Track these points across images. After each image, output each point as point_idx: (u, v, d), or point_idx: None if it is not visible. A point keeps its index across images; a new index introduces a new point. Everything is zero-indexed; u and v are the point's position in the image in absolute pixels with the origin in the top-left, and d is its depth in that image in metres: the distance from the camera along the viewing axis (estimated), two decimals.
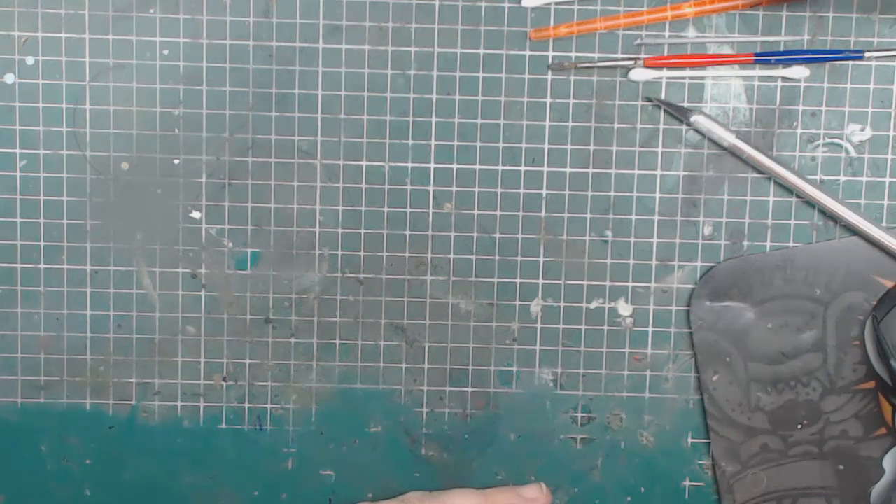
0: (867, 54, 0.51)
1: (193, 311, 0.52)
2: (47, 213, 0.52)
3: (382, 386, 0.53)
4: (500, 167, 0.52)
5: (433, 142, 0.52)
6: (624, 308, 0.53)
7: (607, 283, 0.53)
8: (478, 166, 0.52)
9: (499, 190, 0.52)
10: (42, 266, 0.52)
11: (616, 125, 0.52)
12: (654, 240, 0.52)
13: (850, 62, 0.51)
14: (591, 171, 0.52)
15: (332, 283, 0.52)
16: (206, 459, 0.53)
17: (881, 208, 0.52)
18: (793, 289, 0.52)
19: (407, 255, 0.52)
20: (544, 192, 0.52)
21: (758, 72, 0.51)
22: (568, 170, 0.52)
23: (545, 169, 0.52)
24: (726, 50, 0.51)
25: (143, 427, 0.53)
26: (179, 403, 0.53)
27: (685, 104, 0.51)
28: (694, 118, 0.51)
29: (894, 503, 0.52)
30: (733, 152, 0.51)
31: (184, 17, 0.51)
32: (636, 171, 0.52)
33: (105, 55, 0.51)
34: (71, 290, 0.52)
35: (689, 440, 0.54)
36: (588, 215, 0.52)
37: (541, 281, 0.52)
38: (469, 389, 0.53)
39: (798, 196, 0.52)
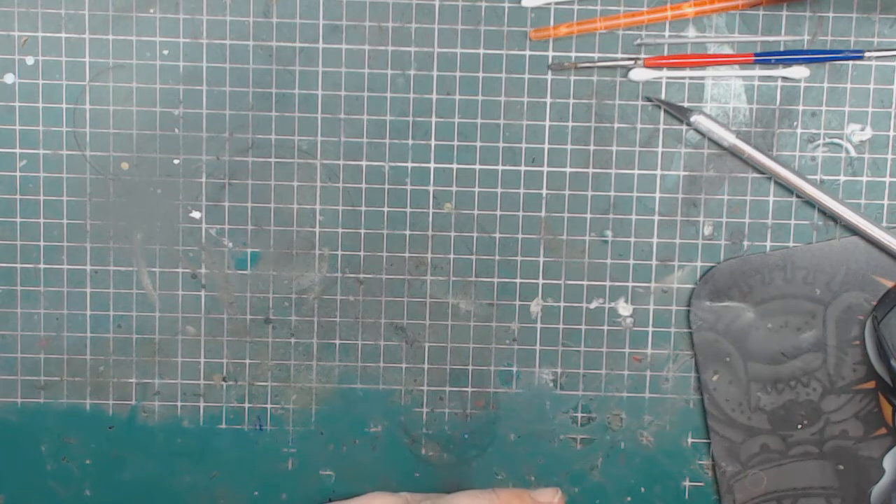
0: (867, 54, 0.51)
1: (193, 311, 0.52)
2: (47, 213, 0.52)
3: (382, 386, 0.53)
4: (500, 167, 0.52)
5: (433, 142, 0.52)
6: (624, 308, 0.53)
7: (607, 283, 0.53)
8: (478, 166, 0.52)
9: (499, 190, 0.52)
10: (42, 266, 0.52)
11: (616, 125, 0.52)
12: (654, 240, 0.52)
13: (850, 62, 0.51)
14: (591, 171, 0.52)
15: (331, 283, 0.52)
16: (206, 459, 0.53)
17: (881, 208, 0.52)
18: (793, 289, 0.52)
19: (407, 255, 0.52)
20: (544, 192, 0.52)
21: (758, 72, 0.51)
22: (568, 170, 0.52)
23: (545, 169, 0.52)
24: (726, 50, 0.51)
25: (143, 427, 0.53)
26: (179, 403, 0.53)
27: (685, 104, 0.51)
28: (694, 118, 0.51)
29: (894, 503, 0.52)
30: (733, 152, 0.51)
31: (184, 17, 0.51)
32: (636, 171, 0.52)
33: (105, 55, 0.51)
34: (71, 290, 0.52)
35: (689, 440, 0.54)
36: (588, 215, 0.52)
37: (541, 281, 0.52)
38: (469, 389, 0.53)
39: (798, 196, 0.52)
